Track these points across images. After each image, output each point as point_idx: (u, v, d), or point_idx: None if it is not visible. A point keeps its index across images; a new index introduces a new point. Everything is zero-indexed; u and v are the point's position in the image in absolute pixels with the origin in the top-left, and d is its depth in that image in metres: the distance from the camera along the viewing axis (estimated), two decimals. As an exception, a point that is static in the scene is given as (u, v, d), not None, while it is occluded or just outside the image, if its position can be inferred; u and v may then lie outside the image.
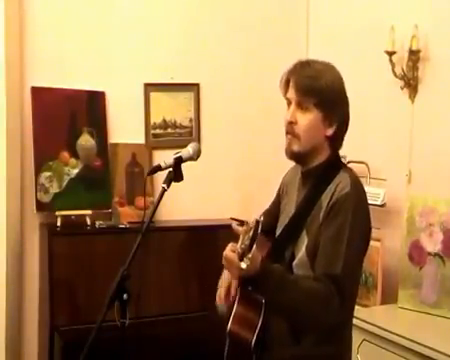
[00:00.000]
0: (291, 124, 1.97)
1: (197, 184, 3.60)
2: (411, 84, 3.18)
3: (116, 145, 3.54)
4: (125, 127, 3.58)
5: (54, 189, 3.30)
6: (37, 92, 3.33)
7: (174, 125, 3.71)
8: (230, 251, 1.85)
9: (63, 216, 3.27)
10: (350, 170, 2.03)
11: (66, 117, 3.38)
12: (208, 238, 3.41)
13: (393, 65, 3.20)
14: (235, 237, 1.96)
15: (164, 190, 2.02)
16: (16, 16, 3.29)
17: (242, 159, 3.88)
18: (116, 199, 3.49)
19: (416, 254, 2.92)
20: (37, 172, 3.27)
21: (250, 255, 1.68)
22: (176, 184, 2.05)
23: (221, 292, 2.14)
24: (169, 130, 3.70)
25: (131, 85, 3.59)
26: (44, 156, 3.29)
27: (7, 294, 3.16)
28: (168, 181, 2.04)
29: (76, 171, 3.37)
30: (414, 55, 3.12)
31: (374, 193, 3.20)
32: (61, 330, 3.08)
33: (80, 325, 2.99)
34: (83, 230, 3.30)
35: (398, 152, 3.28)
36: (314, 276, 1.87)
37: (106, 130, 3.50)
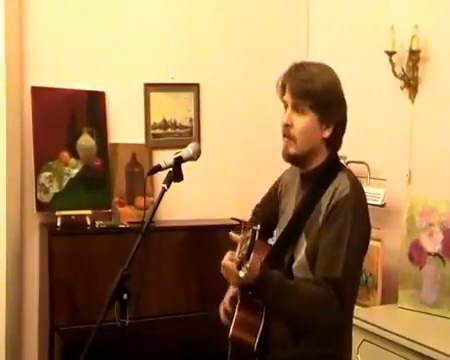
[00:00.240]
0: (287, 127, 1.97)
1: (197, 184, 3.60)
2: (411, 84, 3.18)
3: (116, 145, 3.54)
4: (125, 127, 3.58)
5: (54, 189, 3.30)
6: (37, 92, 3.33)
7: (174, 125, 3.71)
8: (228, 260, 1.87)
9: (63, 216, 3.27)
10: (349, 171, 2.03)
11: (66, 117, 3.38)
12: (208, 238, 3.41)
13: (393, 65, 3.20)
14: (233, 244, 1.97)
15: (164, 190, 2.03)
16: (16, 16, 3.29)
17: (242, 159, 3.88)
18: (116, 199, 3.49)
19: (416, 254, 2.92)
20: (37, 172, 3.27)
21: (248, 265, 1.69)
22: (176, 184, 2.06)
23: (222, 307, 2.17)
24: (169, 130, 3.70)
25: (131, 85, 3.59)
26: (44, 156, 3.29)
27: (7, 294, 3.16)
28: (168, 181, 2.04)
29: (76, 171, 3.37)
30: (414, 55, 3.13)
31: (374, 193, 3.20)
32: (61, 330, 3.08)
33: (80, 325, 2.99)
34: (83, 230, 3.30)
35: (398, 152, 3.28)
36: (314, 279, 1.88)
37: (106, 130, 3.50)
